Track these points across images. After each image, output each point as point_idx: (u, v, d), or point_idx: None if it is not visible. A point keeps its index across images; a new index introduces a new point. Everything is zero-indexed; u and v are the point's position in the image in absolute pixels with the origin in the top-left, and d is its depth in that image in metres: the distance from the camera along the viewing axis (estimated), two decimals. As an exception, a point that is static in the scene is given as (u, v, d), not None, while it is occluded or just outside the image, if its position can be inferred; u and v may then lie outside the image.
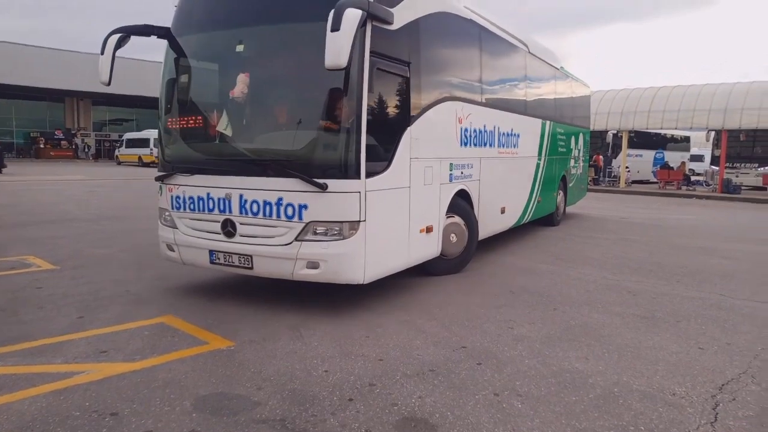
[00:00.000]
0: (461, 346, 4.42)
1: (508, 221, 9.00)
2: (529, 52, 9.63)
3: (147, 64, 48.14)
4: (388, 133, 5.32)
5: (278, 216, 4.96)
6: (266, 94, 5.44)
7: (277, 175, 4.94)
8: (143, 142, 40.89)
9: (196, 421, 3.14)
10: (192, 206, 5.46)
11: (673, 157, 29.43)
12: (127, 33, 5.52)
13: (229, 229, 5.21)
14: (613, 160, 27.71)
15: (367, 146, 4.85)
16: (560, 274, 7.19)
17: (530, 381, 3.79)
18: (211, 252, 5.35)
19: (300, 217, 4.88)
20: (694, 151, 34.31)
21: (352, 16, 4.30)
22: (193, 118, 5.84)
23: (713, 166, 25.59)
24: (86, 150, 50.82)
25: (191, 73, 5.90)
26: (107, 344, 4.31)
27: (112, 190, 19.24)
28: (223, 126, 5.46)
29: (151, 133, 41.04)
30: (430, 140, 6.06)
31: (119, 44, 5.49)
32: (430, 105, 6.06)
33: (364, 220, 4.89)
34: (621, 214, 14.86)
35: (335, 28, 4.23)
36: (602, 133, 25.85)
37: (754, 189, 23.60)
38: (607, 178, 27.15)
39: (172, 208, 5.65)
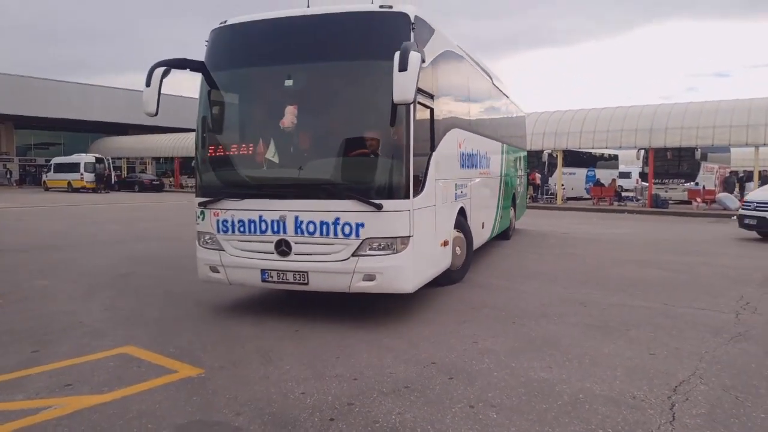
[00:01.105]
0: (431, 362, 4.53)
1: (486, 235, 9.74)
2: (493, 83, 10.55)
3: (71, 86, 46.42)
4: (423, 157, 5.80)
5: (335, 234, 5.36)
6: (321, 125, 5.83)
7: (335, 197, 5.37)
8: (73, 167, 39.11)
9: (179, 450, 3.09)
10: (242, 229, 5.69)
11: (603, 175, 31.04)
12: (168, 66, 5.74)
13: (283, 248, 5.52)
14: (549, 178, 28.91)
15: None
16: (515, 289, 7.46)
17: (501, 392, 3.94)
18: (263, 271, 5.61)
19: (357, 235, 5.30)
20: (622, 168, 36.26)
21: (416, 59, 4.80)
22: (240, 146, 6.11)
23: (643, 182, 27.09)
24: (8, 176, 48.15)
25: (234, 104, 6.30)
26: (70, 378, 4.15)
27: (43, 218, 18.34)
28: (272, 154, 5.74)
29: (82, 158, 39.36)
30: (445, 164, 6.72)
31: (164, 76, 5.65)
32: (444, 132, 6.68)
33: (412, 236, 5.41)
34: (562, 229, 15.50)
35: (403, 68, 4.72)
36: (539, 153, 26.94)
37: (680, 203, 25.16)
38: (545, 196, 28.27)
39: (218, 232, 5.83)
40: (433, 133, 6.07)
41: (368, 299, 6.41)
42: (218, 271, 5.90)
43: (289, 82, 5.81)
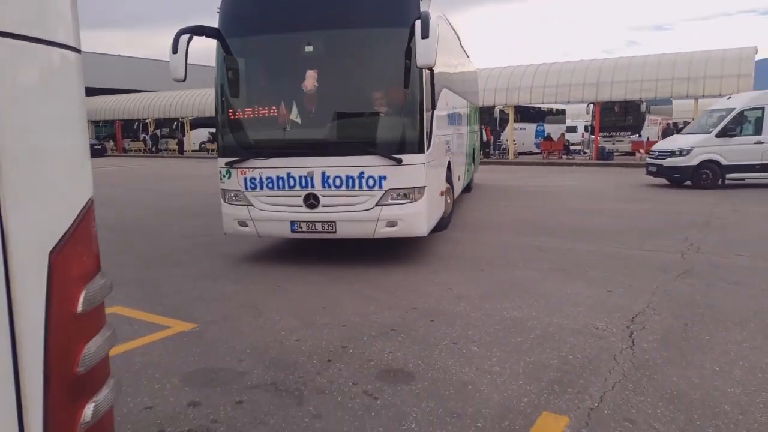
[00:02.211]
0: (412, 308, 4.86)
1: (461, 187, 10.54)
2: (460, 43, 11.00)
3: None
4: (428, 115, 6.27)
5: (360, 187, 5.94)
6: (342, 87, 6.18)
7: (360, 153, 5.89)
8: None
9: (192, 393, 3.31)
10: (270, 185, 6.14)
11: (551, 129, 31.86)
12: (190, 33, 5.98)
13: (312, 201, 6.03)
14: (501, 134, 29.51)
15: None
16: (479, 240, 7.86)
17: (479, 330, 4.31)
18: (293, 222, 6.12)
19: (380, 186, 5.91)
20: (568, 122, 37.26)
21: (436, 26, 5.26)
22: (263, 108, 6.36)
23: (592, 135, 28.02)
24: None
25: (254, 69, 6.59)
26: (66, 337, 4.25)
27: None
28: (295, 115, 6.08)
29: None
30: (441, 121, 7.24)
31: (189, 42, 5.85)
32: (440, 91, 7.11)
33: (426, 186, 6.04)
34: (516, 183, 16.06)
35: (425, 35, 5.20)
36: (490, 109, 27.39)
37: (626, 154, 26.26)
38: (497, 151, 28.90)
39: (246, 189, 6.22)
40: (434, 93, 6.47)
41: (345, 252, 6.68)
42: (247, 225, 6.31)
43: (309, 48, 6.13)
